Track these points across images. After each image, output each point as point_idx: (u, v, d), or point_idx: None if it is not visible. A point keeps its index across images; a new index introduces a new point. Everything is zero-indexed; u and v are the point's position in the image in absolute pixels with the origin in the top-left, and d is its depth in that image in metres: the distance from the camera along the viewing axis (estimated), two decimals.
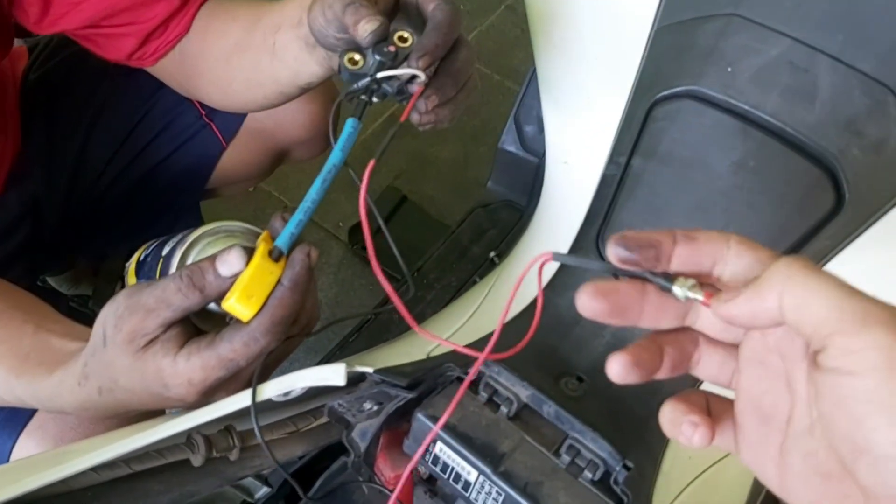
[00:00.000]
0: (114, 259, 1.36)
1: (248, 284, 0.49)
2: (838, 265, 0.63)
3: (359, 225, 1.40)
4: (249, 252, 0.50)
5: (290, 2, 0.67)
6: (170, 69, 0.83)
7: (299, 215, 0.51)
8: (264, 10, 0.73)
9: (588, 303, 0.35)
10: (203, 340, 0.50)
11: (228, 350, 0.49)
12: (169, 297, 0.49)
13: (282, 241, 0.51)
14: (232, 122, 1.00)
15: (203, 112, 0.99)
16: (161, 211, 1.06)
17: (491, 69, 1.71)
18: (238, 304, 0.49)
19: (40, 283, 1.23)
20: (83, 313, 1.28)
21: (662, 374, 0.38)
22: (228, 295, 0.49)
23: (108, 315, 0.51)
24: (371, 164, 0.48)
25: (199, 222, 1.09)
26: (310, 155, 1.09)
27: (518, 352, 0.42)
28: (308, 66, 0.66)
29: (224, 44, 0.76)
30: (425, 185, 1.57)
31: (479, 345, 0.66)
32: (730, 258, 0.35)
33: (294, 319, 0.52)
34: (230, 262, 0.49)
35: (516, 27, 1.79)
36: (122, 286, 1.42)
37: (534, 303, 0.71)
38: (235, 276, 0.49)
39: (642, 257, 0.35)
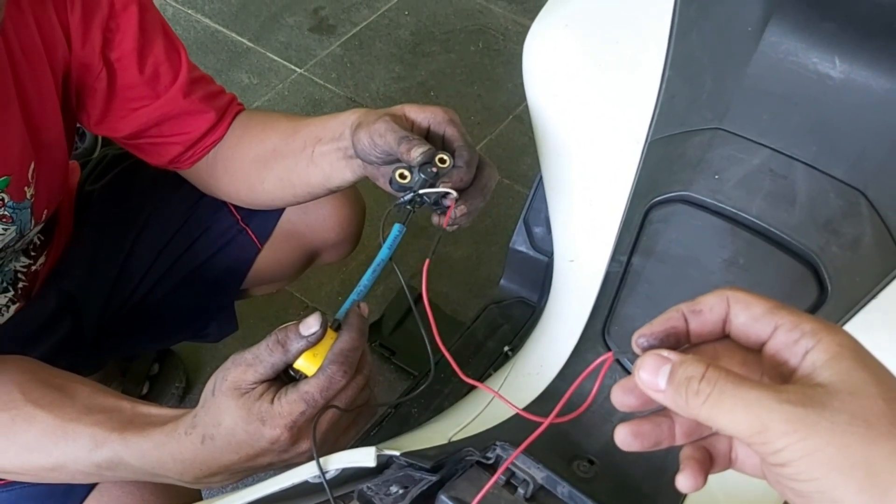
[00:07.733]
0: (142, 360, 1.42)
1: (314, 347, 0.62)
2: None
3: (376, 323, 1.46)
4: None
5: (332, 119, 0.79)
6: (198, 170, 0.93)
7: (353, 296, 0.65)
8: (302, 124, 0.84)
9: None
10: (289, 386, 0.63)
11: (304, 385, 0.61)
12: (261, 354, 0.61)
13: (339, 315, 0.65)
14: (266, 225, 1.05)
15: (239, 217, 1.05)
16: (196, 312, 1.11)
17: (500, 174, 1.80)
18: (304, 362, 0.62)
19: None
20: None
21: (680, 441, 0.43)
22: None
23: (218, 372, 0.62)
24: (427, 262, 0.62)
25: (234, 321, 1.15)
26: (338, 256, 1.15)
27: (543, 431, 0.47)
28: (342, 172, 0.78)
29: (262, 149, 0.87)
30: (439, 284, 1.63)
31: (496, 431, 0.71)
32: (731, 317, 0.42)
33: (356, 367, 0.62)
34: (309, 324, 0.61)
35: (524, 135, 1.89)
36: (150, 388, 1.47)
37: (548, 391, 0.76)
38: (313, 335, 0.61)
39: (668, 345, 0.42)
